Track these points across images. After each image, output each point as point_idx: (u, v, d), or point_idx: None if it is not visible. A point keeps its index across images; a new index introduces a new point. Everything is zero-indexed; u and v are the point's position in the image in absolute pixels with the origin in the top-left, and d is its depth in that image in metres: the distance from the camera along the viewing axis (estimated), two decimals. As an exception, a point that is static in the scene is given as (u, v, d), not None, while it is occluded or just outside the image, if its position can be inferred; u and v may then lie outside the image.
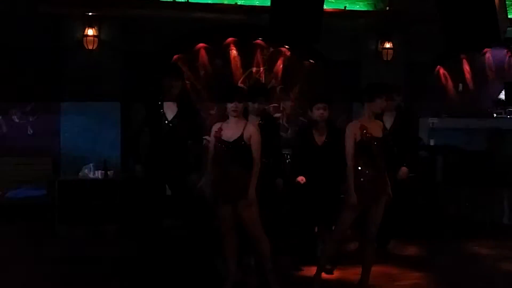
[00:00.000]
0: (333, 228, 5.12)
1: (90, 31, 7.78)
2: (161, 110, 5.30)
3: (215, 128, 4.79)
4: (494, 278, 5.50)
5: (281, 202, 5.38)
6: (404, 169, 5.68)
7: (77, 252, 6.08)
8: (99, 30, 7.84)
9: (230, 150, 4.67)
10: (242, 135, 4.67)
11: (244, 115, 4.95)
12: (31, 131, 7.89)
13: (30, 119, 7.91)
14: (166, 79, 5.32)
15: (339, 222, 4.84)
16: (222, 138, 4.70)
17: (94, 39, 7.79)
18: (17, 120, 7.90)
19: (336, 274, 5.40)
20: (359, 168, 4.66)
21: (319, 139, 5.39)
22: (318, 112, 5.30)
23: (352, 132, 4.69)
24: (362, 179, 4.65)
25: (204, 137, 6.00)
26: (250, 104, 5.11)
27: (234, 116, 4.72)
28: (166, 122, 5.28)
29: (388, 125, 5.41)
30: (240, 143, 4.66)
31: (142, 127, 5.48)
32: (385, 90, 4.83)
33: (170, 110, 5.30)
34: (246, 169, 4.65)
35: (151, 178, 5.31)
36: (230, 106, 4.69)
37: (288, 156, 6.15)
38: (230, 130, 4.71)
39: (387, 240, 5.86)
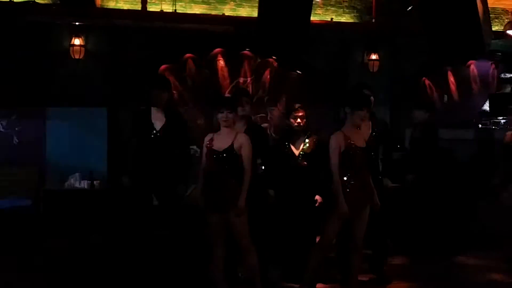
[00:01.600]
0: (317, 239, 5.13)
1: (77, 41, 7.77)
2: (149, 121, 5.29)
3: (207, 138, 4.82)
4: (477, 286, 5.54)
5: (268, 213, 5.36)
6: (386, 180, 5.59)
7: (62, 263, 6.03)
8: (86, 40, 7.84)
9: (220, 159, 4.69)
10: (232, 144, 4.69)
11: None
12: (17, 141, 7.84)
13: (16, 128, 7.85)
14: (154, 89, 5.32)
15: (324, 233, 4.85)
16: (213, 147, 4.72)
17: (80, 48, 7.78)
18: (2, 130, 7.84)
19: (321, 285, 5.40)
20: (345, 178, 4.69)
21: (296, 148, 5.34)
22: (295, 121, 5.29)
23: (336, 143, 4.72)
24: (348, 189, 4.68)
25: (191, 147, 6.00)
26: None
27: (225, 126, 4.75)
28: (154, 132, 5.26)
29: (366, 134, 5.38)
30: (231, 153, 4.68)
31: (130, 137, 5.45)
32: (366, 103, 4.87)
33: (158, 120, 5.30)
34: (237, 179, 4.67)
35: (139, 188, 5.28)
36: (221, 116, 4.72)
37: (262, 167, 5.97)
38: (221, 140, 4.74)
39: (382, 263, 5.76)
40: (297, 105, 5.43)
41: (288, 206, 5.31)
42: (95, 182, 7.42)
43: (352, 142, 4.72)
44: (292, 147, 5.35)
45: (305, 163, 5.30)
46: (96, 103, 7.80)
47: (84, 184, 7.43)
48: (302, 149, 5.33)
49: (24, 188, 7.46)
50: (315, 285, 5.30)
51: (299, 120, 5.26)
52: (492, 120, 8.81)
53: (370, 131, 5.41)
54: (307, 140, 5.36)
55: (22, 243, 6.75)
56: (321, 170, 5.03)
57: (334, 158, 4.70)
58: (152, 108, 5.34)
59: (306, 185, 5.28)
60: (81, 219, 7.07)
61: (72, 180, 7.44)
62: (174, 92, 8.00)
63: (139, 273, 5.24)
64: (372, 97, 5.44)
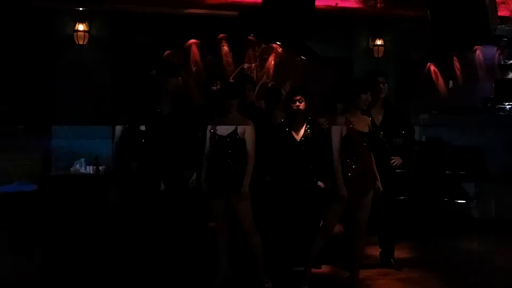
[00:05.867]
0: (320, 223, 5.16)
1: (80, 26, 7.77)
2: (157, 106, 5.27)
3: (211, 123, 4.85)
4: (484, 273, 5.54)
5: (270, 198, 5.38)
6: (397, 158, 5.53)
7: (68, 248, 6.08)
8: (90, 25, 7.83)
9: (224, 144, 4.72)
10: (236, 129, 4.71)
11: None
12: (22, 126, 7.86)
13: (21, 114, 7.87)
14: (162, 74, 5.29)
15: (326, 217, 4.87)
16: (217, 132, 4.74)
17: (84, 34, 7.78)
18: (8, 114, 7.86)
19: (325, 268, 5.44)
20: (346, 162, 4.70)
21: (297, 134, 5.34)
22: (294, 105, 5.29)
23: (338, 127, 4.72)
24: (349, 174, 4.69)
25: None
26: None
27: (229, 112, 4.76)
28: (163, 117, 5.23)
29: (378, 121, 5.38)
30: (234, 138, 4.71)
31: (137, 123, 5.41)
32: (369, 86, 4.86)
33: (166, 106, 5.27)
34: (240, 163, 4.69)
35: (147, 174, 5.28)
36: (225, 101, 4.74)
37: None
38: (225, 125, 4.76)
39: (391, 252, 5.70)
40: (295, 89, 5.44)
41: (289, 191, 5.33)
42: (100, 167, 7.45)
43: (354, 126, 4.72)
44: (293, 133, 5.34)
45: (306, 148, 5.30)
46: (101, 88, 7.81)
47: (90, 169, 7.46)
48: (304, 134, 5.33)
49: (29, 173, 7.50)
50: (320, 266, 5.36)
51: (298, 103, 5.25)
52: (497, 106, 8.79)
53: (382, 117, 5.39)
54: (308, 126, 5.35)
55: (28, 228, 6.81)
56: (322, 156, 5.04)
57: (335, 142, 4.71)
58: (160, 93, 5.30)
59: (307, 170, 5.28)
60: (86, 204, 7.10)
61: (77, 165, 7.48)
62: (179, 78, 8.00)
63: (143, 259, 5.28)
64: (386, 84, 5.41)
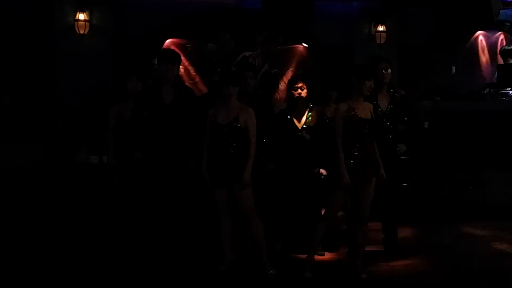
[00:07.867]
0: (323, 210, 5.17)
1: (81, 16, 7.74)
2: (159, 95, 5.26)
3: (211, 112, 4.84)
4: (488, 259, 5.55)
5: (272, 185, 5.39)
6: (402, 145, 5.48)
7: (73, 237, 6.10)
8: (90, 15, 7.81)
9: (224, 132, 4.71)
10: (236, 117, 4.70)
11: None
12: (24, 116, 7.86)
13: (23, 102, 7.87)
14: (164, 63, 5.28)
15: (329, 203, 4.88)
16: (217, 121, 4.74)
17: (85, 23, 7.76)
18: (9, 104, 7.87)
19: (328, 255, 5.46)
20: (349, 150, 4.69)
21: (299, 121, 5.34)
22: (296, 92, 5.29)
23: (340, 114, 4.72)
24: (352, 161, 4.69)
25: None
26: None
27: (229, 100, 4.75)
28: (165, 106, 5.22)
29: (384, 107, 5.37)
30: (235, 126, 4.70)
31: (140, 112, 5.40)
32: (373, 73, 4.84)
33: (167, 95, 5.26)
34: (241, 152, 4.69)
35: (150, 163, 5.28)
36: (225, 90, 4.73)
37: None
38: (225, 113, 4.76)
39: (394, 238, 5.73)
40: (297, 76, 5.42)
41: (291, 179, 5.33)
42: (103, 156, 7.44)
43: (356, 113, 4.71)
44: (295, 120, 5.34)
45: (308, 135, 5.31)
46: (102, 76, 7.80)
47: (93, 159, 7.45)
48: (305, 121, 5.33)
49: (32, 162, 7.51)
50: (324, 253, 5.38)
51: (299, 91, 5.26)
52: (500, 91, 8.75)
53: (388, 103, 5.39)
54: (309, 113, 5.35)
55: (33, 218, 6.83)
56: (324, 143, 5.04)
57: (337, 129, 4.71)
58: (162, 81, 5.29)
59: (309, 157, 5.29)
60: (90, 193, 7.11)
61: (80, 155, 7.47)
62: (181, 66, 7.99)
63: (147, 246, 5.30)
64: (389, 70, 5.40)
